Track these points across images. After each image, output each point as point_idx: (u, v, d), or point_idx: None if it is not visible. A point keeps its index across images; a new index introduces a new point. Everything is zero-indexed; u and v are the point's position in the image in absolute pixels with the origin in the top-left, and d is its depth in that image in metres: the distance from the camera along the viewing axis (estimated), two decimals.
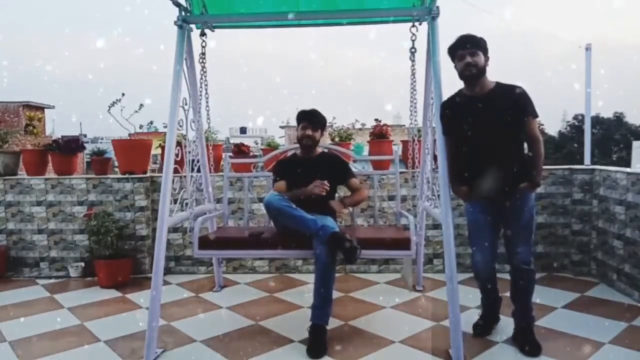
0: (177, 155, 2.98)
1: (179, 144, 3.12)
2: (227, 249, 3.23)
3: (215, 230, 3.70)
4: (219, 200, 4.06)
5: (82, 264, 4.53)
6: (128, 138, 4.93)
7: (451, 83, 2.85)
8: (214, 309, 3.60)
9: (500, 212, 2.78)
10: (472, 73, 2.67)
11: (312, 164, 3.35)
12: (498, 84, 2.73)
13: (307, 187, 3.13)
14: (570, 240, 4.31)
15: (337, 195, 3.48)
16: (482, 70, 2.68)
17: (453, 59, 2.76)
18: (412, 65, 3.54)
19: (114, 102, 4.33)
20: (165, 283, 4.09)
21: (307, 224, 2.90)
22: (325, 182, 3.11)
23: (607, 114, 29.61)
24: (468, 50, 2.66)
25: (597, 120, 28.03)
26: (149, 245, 4.48)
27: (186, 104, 3.22)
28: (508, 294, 2.91)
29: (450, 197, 2.77)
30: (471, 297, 3.34)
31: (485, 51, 2.69)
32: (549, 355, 2.69)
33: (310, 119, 3.32)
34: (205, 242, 3.14)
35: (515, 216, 2.73)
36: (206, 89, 3.65)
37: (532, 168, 2.68)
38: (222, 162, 4.30)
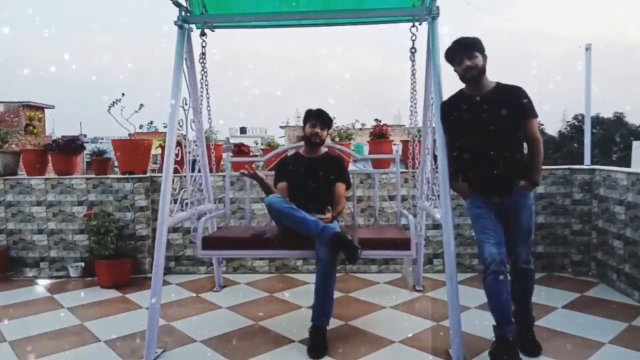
0: (177, 155, 2.98)
1: (179, 144, 3.12)
2: (231, 249, 3.24)
3: (217, 230, 3.71)
4: (218, 201, 4.06)
5: (82, 264, 4.52)
6: (128, 138, 4.93)
7: (451, 83, 2.85)
8: (214, 309, 3.60)
9: (500, 211, 2.78)
10: (473, 75, 2.69)
11: (314, 163, 3.36)
12: (498, 84, 2.74)
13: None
14: (570, 240, 4.31)
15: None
16: (482, 70, 2.70)
17: (452, 63, 2.77)
18: (412, 66, 3.55)
19: (114, 102, 4.33)
20: (165, 283, 4.09)
21: (308, 225, 2.92)
22: (327, 215, 3.07)
23: (607, 114, 29.67)
24: (466, 53, 2.68)
25: (597, 120, 28.07)
26: (149, 245, 4.48)
27: (186, 104, 3.22)
28: None
29: (450, 197, 2.77)
30: (471, 297, 3.34)
31: (482, 51, 2.70)
32: (549, 355, 2.69)
33: (319, 118, 3.37)
34: (208, 242, 3.15)
35: (514, 215, 2.73)
36: (207, 89, 3.66)
37: (531, 167, 2.69)
38: (222, 162, 4.30)
